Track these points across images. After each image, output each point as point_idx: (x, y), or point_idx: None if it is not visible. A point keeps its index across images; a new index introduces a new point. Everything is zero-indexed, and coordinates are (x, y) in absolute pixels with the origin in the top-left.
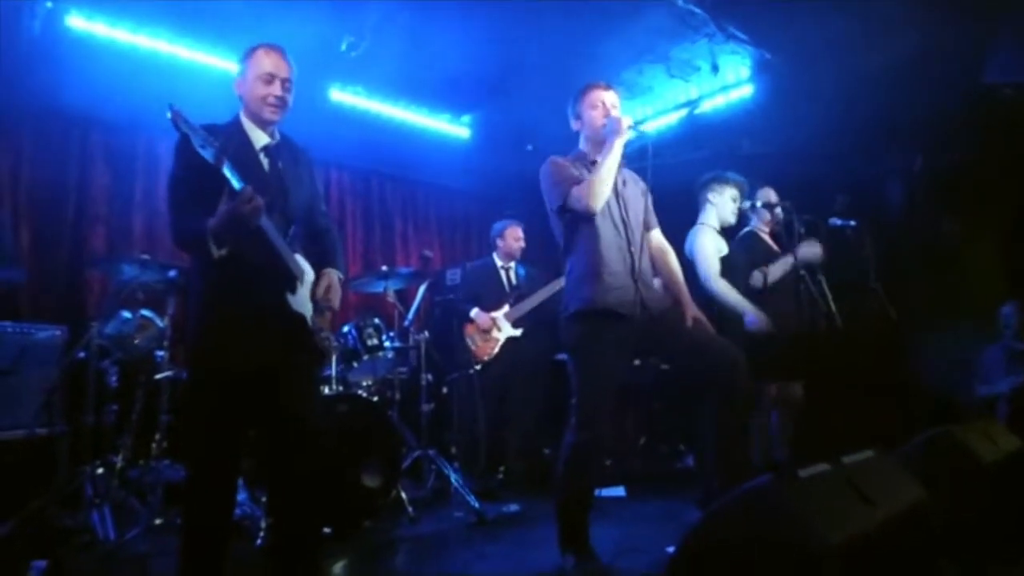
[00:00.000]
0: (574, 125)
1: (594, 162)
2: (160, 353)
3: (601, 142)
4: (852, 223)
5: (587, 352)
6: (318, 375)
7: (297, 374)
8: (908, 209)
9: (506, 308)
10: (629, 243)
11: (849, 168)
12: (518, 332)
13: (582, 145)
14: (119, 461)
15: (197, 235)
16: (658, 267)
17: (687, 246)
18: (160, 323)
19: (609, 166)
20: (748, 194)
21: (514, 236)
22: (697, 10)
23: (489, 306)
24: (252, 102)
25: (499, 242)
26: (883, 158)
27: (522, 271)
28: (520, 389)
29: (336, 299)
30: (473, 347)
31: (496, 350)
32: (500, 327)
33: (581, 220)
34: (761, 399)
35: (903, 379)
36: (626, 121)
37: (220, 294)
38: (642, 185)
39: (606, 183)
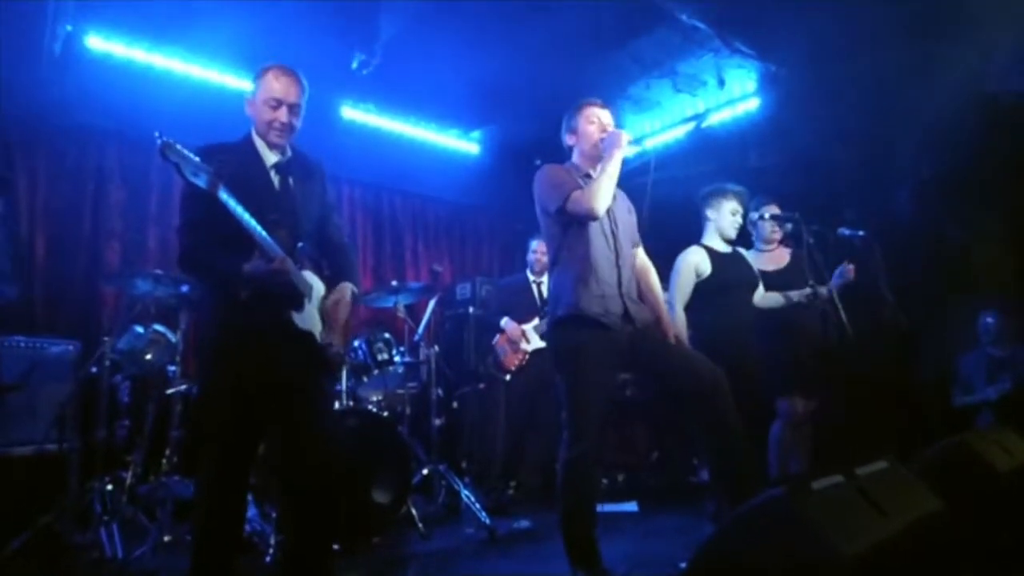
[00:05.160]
0: (568, 140)
1: (587, 175)
2: (172, 368)
3: (596, 157)
4: (861, 233)
5: (573, 363)
6: (329, 390)
7: (307, 390)
8: (916, 217)
9: (536, 321)
10: (618, 256)
11: (856, 177)
12: (546, 344)
13: (575, 159)
14: (129, 477)
15: (229, 282)
16: (640, 285)
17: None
18: (172, 338)
19: (611, 172)
20: (752, 208)
21: (540, 250)
22: (702, 25)
23: (520, 319)
24: (259, 125)
25: (529, 256)
26: (890, 167)
27: None
28: (546, 402)
29: (342, 313)
30: (502, 357)
31: (524, 361)
32: (529, 339)
33: (575, 227)
34: (777, 413)
35: (916, 389)
36: (625, 136)
37: (231, 310)
38: (628, 203)
39: (608, 189)
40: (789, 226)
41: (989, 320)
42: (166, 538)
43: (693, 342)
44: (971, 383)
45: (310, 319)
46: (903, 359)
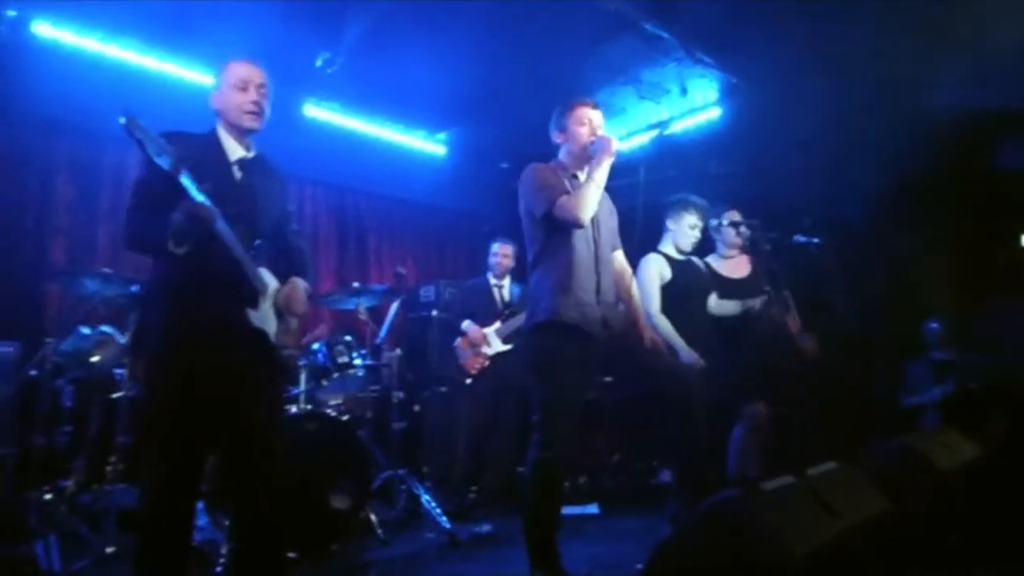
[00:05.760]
0: (556, 138)
1: (574, 176)
2: (119, 371)
3: (584, 158)
4: (815, 240)
5: (549, 368)
6: (282, 393)
7: (260, 391)
8: (868, 226)
9: (497, 324)
10: (597, 262)
11: (812, 185)
12: (507, 348)
13: (562, 157)
14: (70, 486)
15: (158, 231)
16: (617, 288)
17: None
18: (121, 339)
19: (598, 180)
20: (714, 214)
21: (502, 253)
22: (665, 35)
23: (482, 323)
24: (230, 111)
25: (490, 259)
26: (846, 176)
27: (516, 289)
28: (506, 404)
29: (297, 305)
30: (463, 360)
31: (485, 364)
32: (490, 342)
33: (558, 232)
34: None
35: (867, 391)
36: (615, 143)
37: (180, 305)
38: (610, 205)
39: (595, 197)
40: (747, 232)
41: (933, 326)
42: (108, 550)
43: None
44: (918, 385)
45: (265, 318)
46: (854, 362)
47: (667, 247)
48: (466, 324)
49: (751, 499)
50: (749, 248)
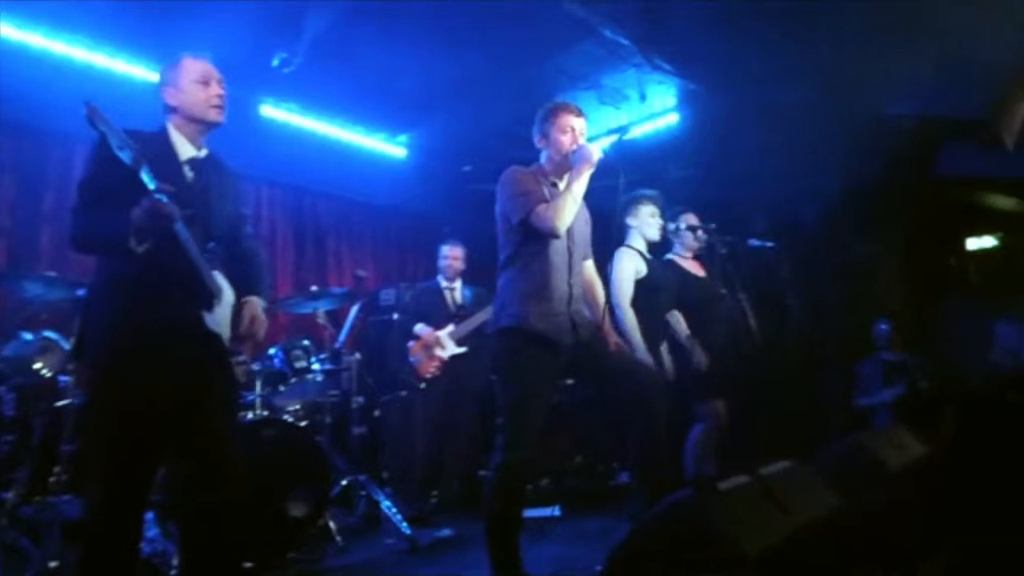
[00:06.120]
0: (538, 142)
1: (554, 183)
2: (64, 378)
3: (565, 166)
4: (770, 244)
5: (515, 373)
6: (237, 397)
7: (214, 395)
8: (822, 230)
9: (451, 327)
10: (570, 272)
11: (768, 191)
12: (462, 350)
13: (543, 162)
14: (11, 497)
15: (117, 228)
16: (586, 295)
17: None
18: (66, 345)
19: (577, 192)
20: (671, 217)
21: (452, 255)
22: (625, 41)
23: (435, 326)
24: (196, 107)
25: (440, 262)
26: (800, 182)
27: (468, 292)
28: (463, 408)
29: (261, 332)
30: (417, 365)
31: (439, 368)
32: (444, 345)
33: (533, 239)
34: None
35: (821, 391)
36: (597, 153)
37: (132, 305)
38: (586, 213)
39: (573, 207)
40: (704, 236)
41: (883, 327)
42: (52, 564)
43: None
44: (869, 386)
45: (220, 322)
46: (809, 363)
47: (637, 242)
48: (419, 327)
49: (706, 499)
50: (705, 252)
